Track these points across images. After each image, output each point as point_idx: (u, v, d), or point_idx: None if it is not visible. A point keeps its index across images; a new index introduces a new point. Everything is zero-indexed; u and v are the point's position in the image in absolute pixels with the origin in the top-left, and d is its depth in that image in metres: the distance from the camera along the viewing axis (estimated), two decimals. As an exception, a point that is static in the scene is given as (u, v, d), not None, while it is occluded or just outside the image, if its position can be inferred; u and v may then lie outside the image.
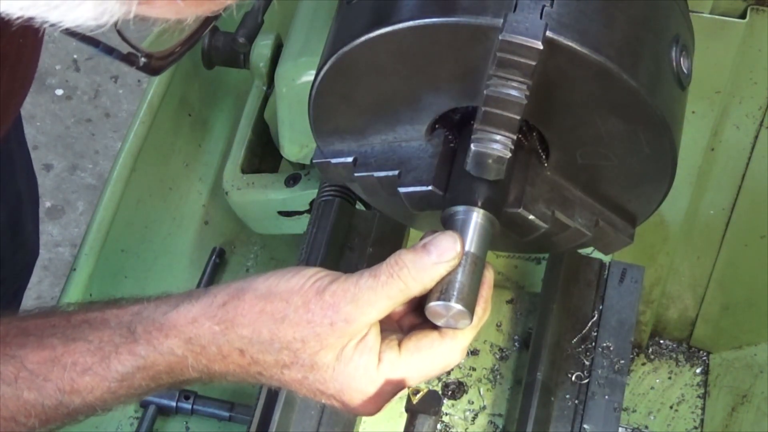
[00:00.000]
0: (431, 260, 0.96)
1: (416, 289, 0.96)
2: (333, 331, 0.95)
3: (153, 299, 1.00)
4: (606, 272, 1.42)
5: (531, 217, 1.07)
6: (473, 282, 0.99)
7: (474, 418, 1.40)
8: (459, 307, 0.97)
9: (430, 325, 1.00)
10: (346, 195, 1.47)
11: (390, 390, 0.99)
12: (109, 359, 0.96)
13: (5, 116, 1.31)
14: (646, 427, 1.86)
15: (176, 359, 0.96)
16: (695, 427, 1.86)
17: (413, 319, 1.03)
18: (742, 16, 1.43)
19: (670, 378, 1.92)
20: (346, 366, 0.97)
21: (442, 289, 0.98)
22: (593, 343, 1.36)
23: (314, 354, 0.96)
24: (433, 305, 0.98)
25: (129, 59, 0.76)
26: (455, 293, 0.97)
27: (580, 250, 1.40)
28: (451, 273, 0.98)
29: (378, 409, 1.01)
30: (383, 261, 0.97)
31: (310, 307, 0.95)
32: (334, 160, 1.14)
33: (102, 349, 0.96)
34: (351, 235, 1.44)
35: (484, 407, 1.41)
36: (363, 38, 1.02)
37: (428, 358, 0.99)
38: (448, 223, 1.03)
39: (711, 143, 1.61)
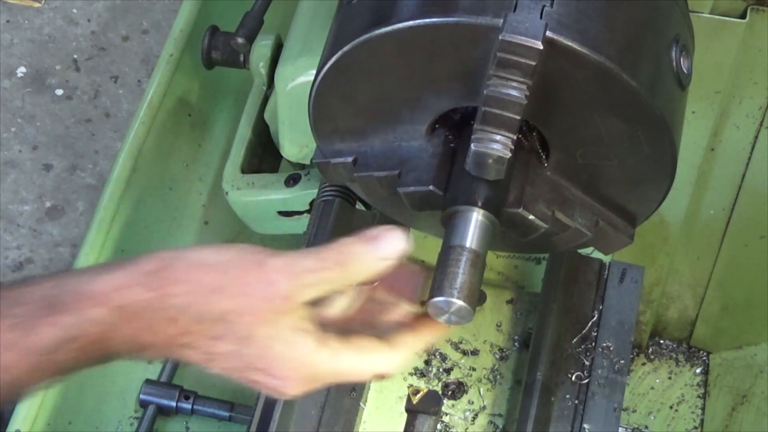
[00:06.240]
0: (378, 255, 0.95)
1: (357, 280, 0.96)
2: (270, 307, 0.92)
3: (69, 271, 0.94)
4: (606, 272, 1.42)
5: (531, 217, 1.07)
6: (474, 278, 0.99)
7: (474, 418, 1.40)
8: (461, 303, 0.97)
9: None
10: (346, 195, 1.47)
11: (323, 377, 0.97)
12: (30, 333, 0.89)
13: None
14: (646, 427, 1.86)
15: (104, 328, 0.90)
16: (695, 427, 1.86)
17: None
18: (742, 16, 1.43)
19: (670, 378, 1.92)
20: (284, 345, 0.93)
21: (443, 286, 0.98)
22: (593, 343, 1.36)
23: (249, 327, 0.92)
24: (435, 301, 0.98)
25: None
26: (457, 289, 0.97)
27: (580, 250, 1.40)
28: (453, 270, 0.98)
29: (302, 392, 0.97)
30: (327, 245, 0.96)
31: (248, 279, 0.92)
32: (334, 160, 1.14)
33: (23, 323, 0.89)
34: (351, 235, 1.44)
35: (484, 407, 1.41)
36: (363, 38, 1.02)
37: (368, 360, 0.97)
38: (449, 223, 1.03)
39: (711, 143, 1.61)
